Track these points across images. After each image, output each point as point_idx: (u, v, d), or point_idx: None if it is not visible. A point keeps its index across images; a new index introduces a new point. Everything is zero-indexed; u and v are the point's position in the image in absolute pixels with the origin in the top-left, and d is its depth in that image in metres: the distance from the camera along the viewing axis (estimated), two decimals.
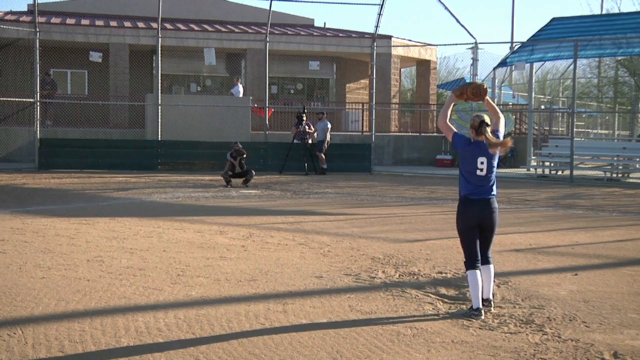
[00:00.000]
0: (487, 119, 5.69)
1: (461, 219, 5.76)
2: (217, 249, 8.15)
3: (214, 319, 5.33)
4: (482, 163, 5.68)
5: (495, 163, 5.78)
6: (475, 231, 5.72)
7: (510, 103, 30.78)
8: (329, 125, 19.87)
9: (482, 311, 5.57)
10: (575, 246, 8.95)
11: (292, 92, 28.84)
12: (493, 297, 5.92)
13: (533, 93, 23.97)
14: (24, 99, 19.69)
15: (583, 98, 31.22)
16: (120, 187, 15.25)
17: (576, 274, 7.18)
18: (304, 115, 19.62)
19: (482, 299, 5.68)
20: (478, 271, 5.64)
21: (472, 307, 5.62)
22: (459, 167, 5.94)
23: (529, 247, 8.79)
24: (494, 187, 5.80)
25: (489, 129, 5.64)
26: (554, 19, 20.93)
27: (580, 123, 28.86)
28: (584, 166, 21.17)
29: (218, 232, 9.36)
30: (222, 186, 15.52)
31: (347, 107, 28.22)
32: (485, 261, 5.80)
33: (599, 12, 29.93)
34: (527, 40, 21.49)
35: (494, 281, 5.97)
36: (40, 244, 8.26)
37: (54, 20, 24.33)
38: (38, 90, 18.98)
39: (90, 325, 5.08)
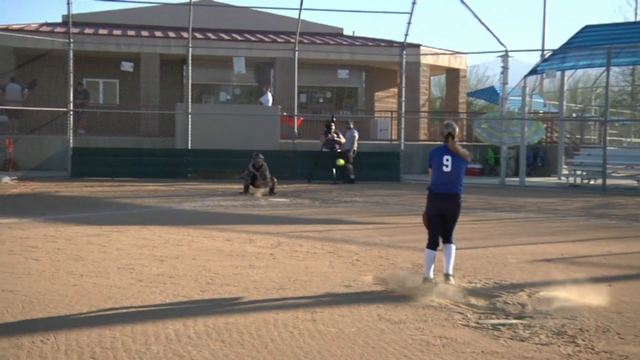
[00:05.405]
0: (456, 130, 6.82)
1: (428, 208, 6.89)
2: (246, 257, 8.18)
3: (243, 327, 5.34)
4: (447, 160, 6.71)
5: (461, 165, 6.77)
6: (437, 219, 6.83)
7: (542, 111, 30.47)
8: (356, 135, 19.80)
9: (430, 281, 6.66)
10: (608, 256, 8.82)
11: (321, 100, 28.88)
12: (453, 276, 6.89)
13: (564, 101, 23.69)
14: (58, 109, 20.01)
15: (616, 106, 30.78)
16: (150, 195, 15.40)
17: (610, 285, 7.06)
18: (333, 123, 19.64)
19: (444, 273, 6.86)
20: (434, 252, 6.79)
21: (425, 277, 6.74)
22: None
23: (560, 257, 8.68)
24: (459, 186, 6.80)
25: (455, 140, 6.75)
26: (586, 27, 20.69)
27: (613, 131, 28.46)
28: (616, 175, 20.83)
29: (247, 241, 9.40)
30: (239, 192, 15.62)
31: (375, 115, 28.18)
32: (448, 241, 6.89)
33: (633, 20, 29.53)
34: (559, 48, 21.28)
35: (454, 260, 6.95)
36: (72, 251, 8.38)
37: (87, 30, 24.71)
38: (71, 99, 19.29)
39: (121, 332, 5.13)
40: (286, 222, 11.54)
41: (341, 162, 18.87)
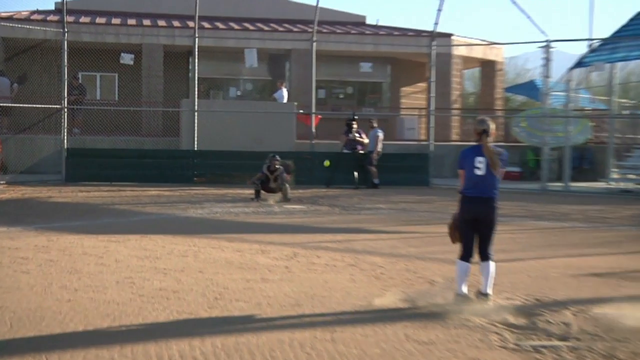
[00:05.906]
0: (491, 128, 6.71)
1: (460, 214, 6.83)
2: (258, 270, 8.20)
3: (255, 348, 5.35)
4: (480, 162, 6.65)
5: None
6: (470, 226, 6.76)
7: (588, 108, 30.25)
8: (380, 135, 19.70)
9: (463, 297, 6.60)
10: None
11: (342, 96, 28.92)
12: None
13: (615, 97, 23.49)
14: (51, 105, 20.17)
15: None
16: (152, 201, 15.49)
17: None
18: (354, 122, 19.63)
19: (480, 292, 6.71)
20: (468, 264, 6.70)
21: (457, 293, 6.67)
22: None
23: (610, 271, 8.62)
24: (494, 190, 6.72)
25: (489, 139, 6.65)
26: None
27: None
28: None
29: (259, 252, 9.42)
30: (251, 198, 15.63)
31: (402, 113, 28.15)
32: (485, 258, 6.78)
33: None
34: (609, 37, 21.12)
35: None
36: (66, 263, 8.43)
37: (83, 19, 24.93)
38: (66, 95, 19.44)
39: (119, 353, 5.16)
40: (302, 231, 11.55)
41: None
